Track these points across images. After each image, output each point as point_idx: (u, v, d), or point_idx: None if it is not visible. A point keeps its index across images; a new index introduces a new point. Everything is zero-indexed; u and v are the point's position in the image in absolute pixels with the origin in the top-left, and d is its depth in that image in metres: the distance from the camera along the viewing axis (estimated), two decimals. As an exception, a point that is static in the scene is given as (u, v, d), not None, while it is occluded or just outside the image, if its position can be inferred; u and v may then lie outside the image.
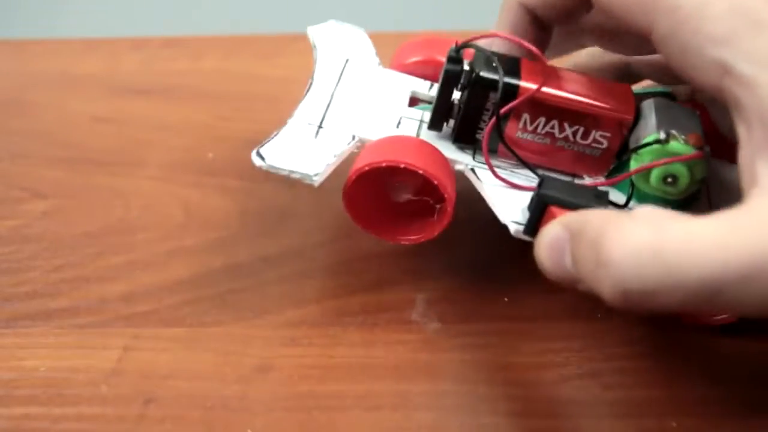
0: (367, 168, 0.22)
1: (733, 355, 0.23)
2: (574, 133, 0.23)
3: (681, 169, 0.21)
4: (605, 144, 0.23)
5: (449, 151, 0.24)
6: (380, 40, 0.27)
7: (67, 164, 0.30)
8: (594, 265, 0.17)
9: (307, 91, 0.25)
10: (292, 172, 0.22)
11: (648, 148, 0.21)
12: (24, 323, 0.24)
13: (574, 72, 0.23)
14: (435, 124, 0.24)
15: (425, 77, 0.26)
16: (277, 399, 0.22)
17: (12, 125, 0.32)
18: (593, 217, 0.18)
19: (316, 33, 0.26)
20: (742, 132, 0.19)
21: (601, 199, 0.21)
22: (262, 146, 0.22)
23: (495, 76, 0.22)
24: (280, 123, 0.24)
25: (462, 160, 0.24)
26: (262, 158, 0.22)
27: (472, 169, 0.23)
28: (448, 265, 0.26)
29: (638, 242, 0.17)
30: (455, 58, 0.22)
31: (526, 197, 0.22)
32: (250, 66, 0.32)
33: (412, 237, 0.24)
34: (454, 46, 0.22)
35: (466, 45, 0.22)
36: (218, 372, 0.23)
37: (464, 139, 0.23)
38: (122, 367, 0.23)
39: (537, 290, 0.25)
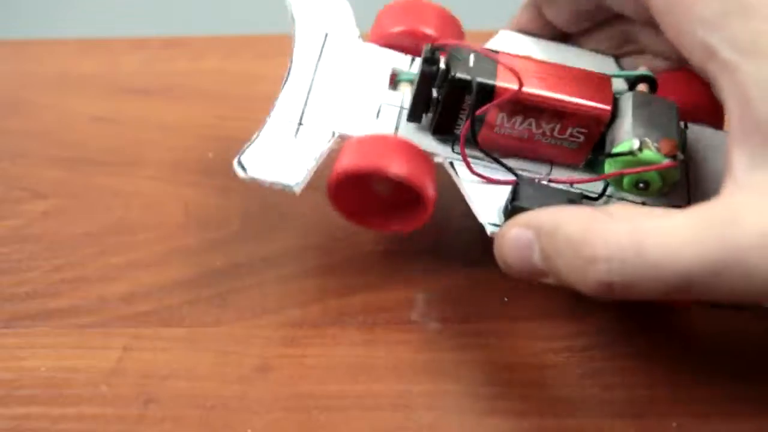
0: (345, 174, 0.22)
1: (734, 355, 0.23)
2: (551, 129, 0.23)
3: (653, 176, 0.22)
4: (582, 138, 0.23)
5: (428, 141, 0.24)
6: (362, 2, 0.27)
7: (67, 164, 0.30)
8: (575, 260, 0.19)
9: (286, 79, 0.24)
10: (274, 183, 0.22)
11: (621, 157, 0.21)
12: (24, 323, 0.24)
13: (551, 65, 0.23)
14: (414, 117, 0.23)
15: (407, 49, 0.25)
16: (277, 399, 0.22)
17: (12, 125, 0.32)
18: (570, 217, 0.19)
19: (295, 2, 0.26)
20: (726, 117, 0.19)
21: (574, 204, 0.22)
22: (242, 153, 0.22)
23: (470, 77, 0.22)
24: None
25: (441, 152, 0.23)
26: (244, 169, 0.22)
27: (451, 163, 0.23)
28: (448, 265, 0.26)
29: (621, 240, 0.18)
30: (431, 59, 0.22)
31: (505, 191, 0.23)
32: (250, 66, 0.32)
33: (396, 227, 0.24)
34: (428, 46, 0.22)
35: (440, 47, 0.22)
36: (218, 372, 0.23)
37: (443, 131, 0.23)
38: (122, 367, 0.23)
39: (537, 290, 0.25)
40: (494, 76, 0.22)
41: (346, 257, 0.27)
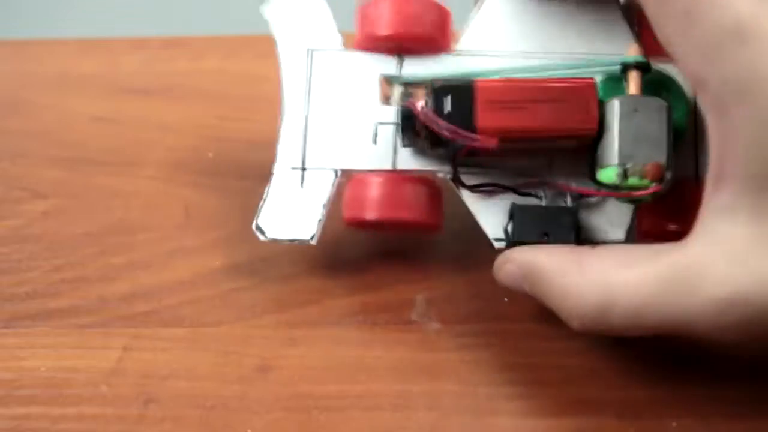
0: (351, 224, 0.25)
1: (734, 355, 0.23)
2: (540, 147, 0.23)
3: (641, 198, 0.22)
4: (574, 144, 0.23)
5: (427, 160, 0.24)
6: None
7: (67, 164, 0.30)
8: (556, 305, 0.21)
9: (282, 117, 0.25)
10: (292, 240, 0.24)
11: (608, 182, 0.22)
12: (24, 323, 0.24)
13: (531, 86, 0.22)
14: (406, 145, 0.24)
15: (392, 51, 0.25)
16: (277, 399, 0.22)
17: (11, 125, 0.32)
18: (548, 262, 0.21)
19: (271, 14, 0.25)
20: (708, 141, 0.19)
21: (568, 231, 0.22)
22: (258, 216, 0.24)
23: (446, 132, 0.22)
24: (277, 125, 0.24)
25: (442, 168, 0.24)
26: (263, 232, 0.24)
27: (452, 179, 0.24)
28: (448, 265, 0.26)
29: (590, 301, 0.20)
30: (407, 114, 0.23)
31: (506, 203, 0.23)
32: (250, 66, 0.32)
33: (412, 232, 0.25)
34: (402, 106, 0.23)
35: (408, 95, 0.23)
36: (218, 372, 0.23)
37: (440, 145, 0.23)
38: (122, 367, 0.23)
39: (537, 290, 0.25)
40: (472, 116, 0.22)
41: (346, 257, 0.27)
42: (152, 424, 0.21)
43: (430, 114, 0.22)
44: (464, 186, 0.23)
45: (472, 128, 0.22)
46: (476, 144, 0.22)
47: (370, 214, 0.24)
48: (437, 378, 0.23)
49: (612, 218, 0.23)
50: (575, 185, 0.23)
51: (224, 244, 0.27)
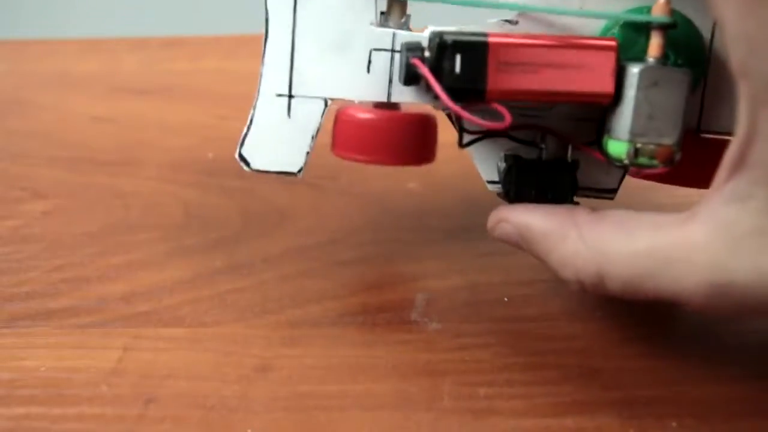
0: (343, 158, 0.23)
1: (734, 355, 0.23)
2: (553, 104, 0.23)
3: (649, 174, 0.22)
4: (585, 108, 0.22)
5: (425, 94, 0.23)
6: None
7: (67, 164, 0.30)
8: (553, 265, 0.21)
9: (265, 39, 0.23)
10: (278, 172, 0.23)
11: (613, 158, 0.21)
12: (24, 323, 0.24)
13: (548, 47, 0.21)
14: (408, 84, 0.22)
15: None
16: (277, 399, 0.22)
17: (12, 125, 0.32)
18: (542, 228, 0.21)
19: None
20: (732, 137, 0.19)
21: (567, 190, 0.23)
22: (242, 144, 0.23)
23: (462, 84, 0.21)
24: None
25: (439, 103, 0.22)
26: (246, 162, 0.23)
27: (449, 115, 0.23)
28: (448, 265, 0.26)
29: (587, 269, 0.20)
30: (413, 75, 0.22)
31: (503, 142, 0.23)
32: (250, 66, 0.31)
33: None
34: (407, 63, 0.22)
35: (421, 48, 0.22)
36: (218, 372, 0.23)
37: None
38: (122, 367, 0.23)
39: (537, 290, 0.25)
40: (485, 73, 0.21)
41: (346, 257, 0.27)
42: (152, 424, 0.21)
43: (438, 87, 0.21)
44: (464, 143, 0.23)
45: (481, 90, 0.21)
46: (486, 126, 0.21)
47: (362, 157, 0.23)
48: (437, 378, 0.23)
49: (608, 168, 0.23)
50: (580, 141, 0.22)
51: (224, 244, 0.27)
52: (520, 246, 0.22)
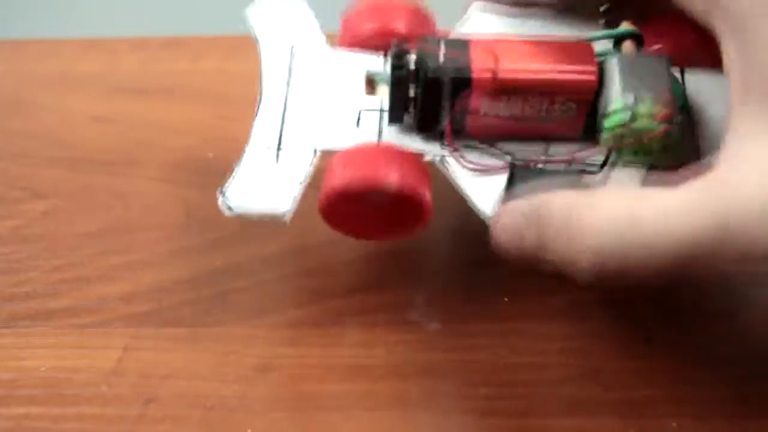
0: (335, 194, 0.22)
1: (734, 355, 0.23)
2: (539, 109, 0.22)
3: (651, 143, 0.21)
4: (573, 109, 0.22)
5: (415, 142, 0.23)
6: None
7: (67, 164, 0.30)
8: (570, 240, 0.18)
9: (258, 102, 0.24)
10: (262, 215, 0.22)
11: (614, 132, 0.21)
12: (24, 323, 0.24)
13: (527, 41, 0.22)
14: (394, 119, 0.23)
15: (378, 48, 0.25)
16: (277, 399, 0.22)
17: (12, 125, 0.32)
18: (560, 197, 0.19)
19: (255, 17, 0.25)
20: (727, 67, 0.19)
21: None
22: (227, 188, 0.22)
23: (443, 75, 0.21)
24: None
25: (430, 149, 0.23)
26: (230, 207, 0.22)
27: (441, 160, 0.23)
28: (448, 264, 0.26)
29: (615, 214, 0.17)
30: (399, 64, 0.22)
31: (501, 180, 0.22)
32: (251, 66, 0.31)
33: (396, 235, 0.24)
34: (394, 47, 0.22)
35: (406, 49, 0.22)
36: (218, 372, 0.23)
37: (428, 128, 0.23)
38: (122, 367, 0.23)
39: (537, 290, 0.25)
40: (468, 65, 0.21)
41: (345, 257, 0.27)
42: (152, 424, 0.21)
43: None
44: (455, 156, 0.22)
45: (467, 73, 0.21)
46: (474, 79, 0.21)
47: (349, 182, 0.21)
48: (437, 378, 0.23)
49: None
50: (579, 154, 0.22)
51: (224, 244, 0.27)
52: (524, 240, 0.20)
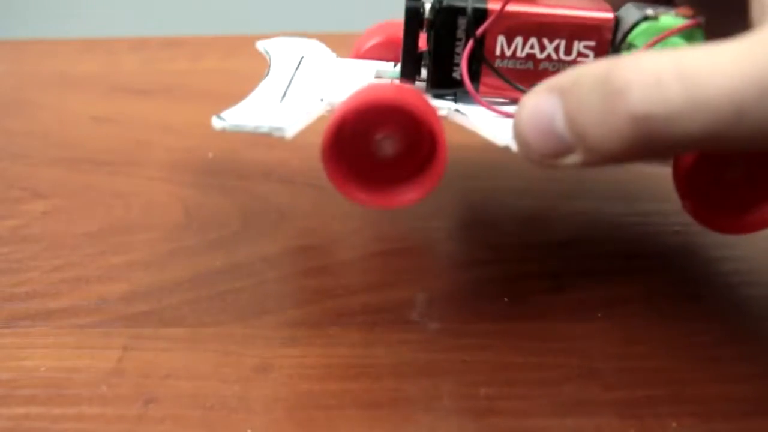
0: (348, 113, 0.19)
1: (734, 355, 0.23)
2: (556, 49, 0.21)
3: (678, 42, 0.20)
4: (591, 55, 0.22)
5: (429, 100, 0.22)
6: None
7: (67, 164, 0.30)
8: (604, 104, 0.16)
9: (266, 74, 0.24)
10: (258, 127, 0.20)
11: (639, 30, 0.20)
12: (24, 323, 0.24)
13: None
14: (408, 71, 0.22)
15: (387, 60, 0.25)
16: (277, 399, 0.22)
17: (12, 125, 0.32)
18: (594, 65, 0.17)
19: (267, 44, 0.26)
20: None
21: None
22: (223, 112, 0.21)
23: (461, 3, 0.21)
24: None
25: (444, 105, 0.22)
26: (221, 118, 0.20)
27: (456, 112, 0.22)
28: (448, 265, 0.26)
29: (658, 65, 0.16)
30: (414, 11, 0.21)
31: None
32: (250, 66, 0.32)
33: (407, 198, 0.21)
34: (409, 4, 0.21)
35: None
36: (218, 372, 0.23)
37: (441, 83, 0.22)
38: (122, 367, 0.23)
39: (537, 290, 0.25)
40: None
41: (345, 257, 0.27)
42: (152, 424, 0.21)
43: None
44: (471, 93, 0.22)
45: (482, 11, 0.21)
46: (490, 9, 0.20)
47: (362, 101, 0.20)
48: (437, 378, 0.23)
49: None
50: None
51: (224, 244, 0.27)
52: (554, 122, 0.17)
